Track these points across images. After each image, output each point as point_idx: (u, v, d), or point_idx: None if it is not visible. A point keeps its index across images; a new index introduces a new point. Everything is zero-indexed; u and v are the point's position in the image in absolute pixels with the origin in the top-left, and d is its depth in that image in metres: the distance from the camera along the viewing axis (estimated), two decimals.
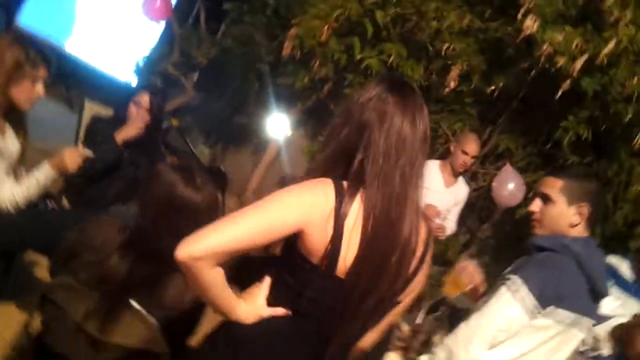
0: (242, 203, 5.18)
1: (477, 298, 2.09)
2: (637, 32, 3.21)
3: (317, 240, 1.21)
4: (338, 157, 1.28)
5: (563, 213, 1.81)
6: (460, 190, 3.56)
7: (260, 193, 5.40)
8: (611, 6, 3.24)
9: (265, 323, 1.28)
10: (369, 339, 1.40)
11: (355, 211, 1.22)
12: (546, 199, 1.83)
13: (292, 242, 1.24)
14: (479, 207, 4.43)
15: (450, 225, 3.53)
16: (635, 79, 3.23)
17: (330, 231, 1.21)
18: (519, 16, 3.45)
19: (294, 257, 1.25)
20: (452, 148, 3.55)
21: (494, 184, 3.79)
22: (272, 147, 5.37)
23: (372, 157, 1.23)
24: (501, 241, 4.62)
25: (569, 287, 1.73)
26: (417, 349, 2.61)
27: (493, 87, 3.95)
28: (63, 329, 1.58)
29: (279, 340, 1.31)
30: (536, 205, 1.85)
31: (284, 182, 5.52)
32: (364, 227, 1.22)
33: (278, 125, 5.04)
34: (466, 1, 3.93)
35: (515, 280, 1.70)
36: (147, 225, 1.58)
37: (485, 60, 3.93)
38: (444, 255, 4.21)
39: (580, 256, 1.75)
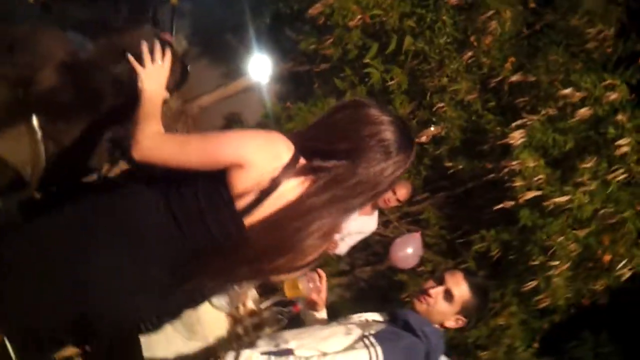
0: (182, 111, 5.08)
1: (313, 308, 2.23)
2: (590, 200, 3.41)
3: (249, 182, 1.28)
4: (317, 141, 1.34)
5: (448, 314, 1.97)
6: (370, 223, 3.64)
7: (204, 114, 5.31)
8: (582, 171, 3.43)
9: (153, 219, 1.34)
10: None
11: (290, 187, 1.29)
12: (448, 296, 1.97)
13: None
14: (372, 250, 4.55)
15: (342, 247, 3.61)
16: (563, 238, 3.41)
17: (264, 184, 1.27)
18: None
19: (219, 179, 1.29)
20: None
21: (397, 239, 3.90)
22: (242, 82, 5.29)
23: (341, 170, 1.29)
24: (370, 288, 4.79)
25: None
26: (245, 326, 2.69)
27: (451, 165, 4.08)
28: None
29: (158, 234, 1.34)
30: (436, 293, 1.98)
31: (231, 118, 5.46)
32: (283, 207, 1.30)
33: (261, 67, 4.97)
34: (483, 84, 4.02)
35: (379, 354, 1.79)
36: (97, 61, 1.54)
37: (463, 140, 4.04)
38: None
39: (432, 350, 1.89)
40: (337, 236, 3.38)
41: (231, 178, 1.29)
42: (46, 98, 1.53)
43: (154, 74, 1.43)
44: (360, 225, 3.58)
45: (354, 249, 3.90)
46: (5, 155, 1.59)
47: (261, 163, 1.28)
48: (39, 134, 1.56)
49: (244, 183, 1.28)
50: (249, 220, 1.31)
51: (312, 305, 2.25)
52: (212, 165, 1.29)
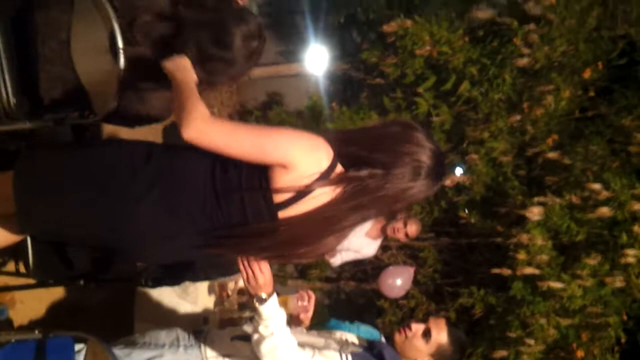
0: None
1: (297, 324, 2.34)
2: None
3: (288, 182, 1.40)
4: (359, 147, 1.46)
5: (422, 353, 2.10)
6: (370, 247, 3.73)
7: (250, 84, 5.41)
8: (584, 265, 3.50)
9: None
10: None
11: (323, 191, 1.42)
12: (427, 336, 2.09)
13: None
14: (363, 268, 4.65)
15: (336, 260, 3.71)
16: (545, 320, 3.50)
17: (300, 186, 1.40)
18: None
19: (261, 170, 1.43)
20: (399, 215, 3.72)
21: (391, 267, 3.99)
22: (296, 67, 5.38)
23: (372, 181, 1.42)
24: (349, 302, 4.91)
25: None
26: (232, 303, 2.83)
27: (465, 215, 4.16)
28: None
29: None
30: (416, 328, 2.11)
31: (273, 98, 5.54)
32: (314, 209, 1.44)
33: (319, 59, 5.05)
34: (520, 150, 4.08)
35: None
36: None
37: (483, 196, 4.12)
38: (307, 269, 4.45)
39: None
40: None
41: (273, 174, 1.41)
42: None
43: (180, 64, 1.53)
44: (360, 244, 3.67)
45: (346, 264, 4.01)
46: (83, 78, 1.66)
47: (303, 167, 1.39)
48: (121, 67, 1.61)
49: (284, 181, 1.40)
50: (281, 213, 1.44)
51: (297, 322, 2.36)
52: (259, 160, 1.41)
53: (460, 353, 2.22)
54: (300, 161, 1.39)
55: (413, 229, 3.60)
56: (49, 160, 1.54)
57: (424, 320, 2.19)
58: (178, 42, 1.60)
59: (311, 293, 2.37)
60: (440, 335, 2.14)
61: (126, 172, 1.45)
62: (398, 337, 2.17)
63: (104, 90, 1.61)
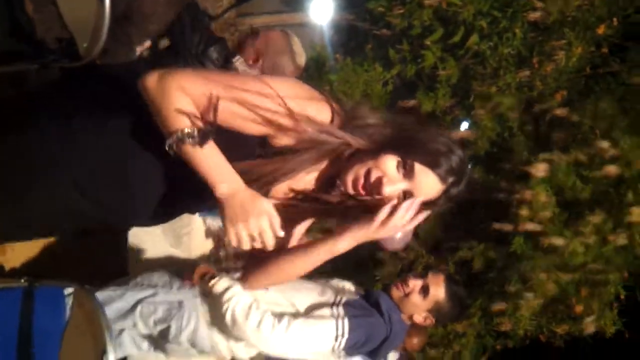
0: (233, 23, 5.07)
1: None
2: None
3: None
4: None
5: (419, 308, 2.09)
6: None
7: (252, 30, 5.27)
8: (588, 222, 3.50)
9: None
10: None
11: None
12: (425, 292, 2.08)
13: None
14: None
15: None
16: (545, 276, 3.51)
17: None
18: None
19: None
20: None
21: None
22: (300, 16, 5.25)
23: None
24: (347, 254, 4.90)
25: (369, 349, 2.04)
26: (227, 252, 2.81)
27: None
28: None
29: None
30: (414, 284, 2.09)
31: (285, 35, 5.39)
32: None
33: (324, 9, 4.91)
34: (527, 106, 4.02)
35: (345, 326, 1.92)
36: None
37: (488, 152, 4.09)
38: None
39: (391, 338, 2.02)
40: None
41: None
42: None
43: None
44: None
45: None
46: (67, 18, 1.60)
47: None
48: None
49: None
50: None
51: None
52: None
53: (457, 309, 2.22)
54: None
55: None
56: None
57: (423, 275, 2.17)
58: None
59: None
60: (438, 291, 2.14)
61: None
62: (395, 292, 2.17)
63: (89, 31, 1.54)
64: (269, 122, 1.19)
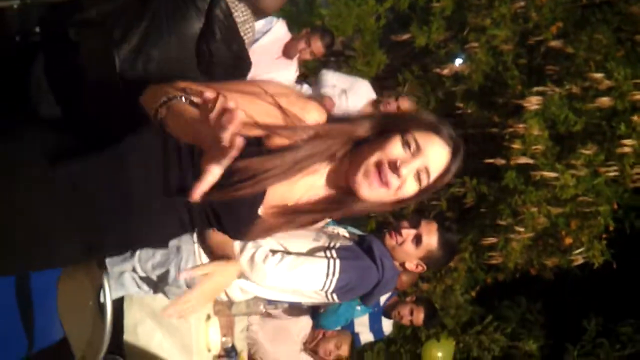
0: None
1: None
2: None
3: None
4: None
5: (412, 256, 2.09)
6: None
7: None
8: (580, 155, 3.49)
9: None
10: None
11: None
12: (418, 241, 2.08)
13: None
14: None
15: None
16: (536, 209, 3.53)
17: None
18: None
19: None
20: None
21: None
22: None
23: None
24: None
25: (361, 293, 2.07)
26: None
27: (462, 106, 4.09)
28: None
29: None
30: (407, 234, 2.09)
31: None
32: None
33: None
34: (522, 39, 3.95)
35: (336, 267, 1.93)
36: None
37: (481, 86, 4.04)
38: None
39: (383, 283, 2.04)
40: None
41: None
42: None
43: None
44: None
45: None
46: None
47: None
48: None
49: None
50: None
51: None
52: None
53: (448, 256, 2.23)
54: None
55: (405, 105, 3.48)
56: None
57: (416, 224, 2.15)
58: None
59: None
60: (431, 239, 2.12)
61: None
62: (389, 241, 2.16)
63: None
64: (263, 126, 1.14)
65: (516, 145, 3.54)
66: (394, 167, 1.18)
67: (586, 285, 4.10)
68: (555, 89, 3.59)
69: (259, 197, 1.23)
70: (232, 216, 1.25)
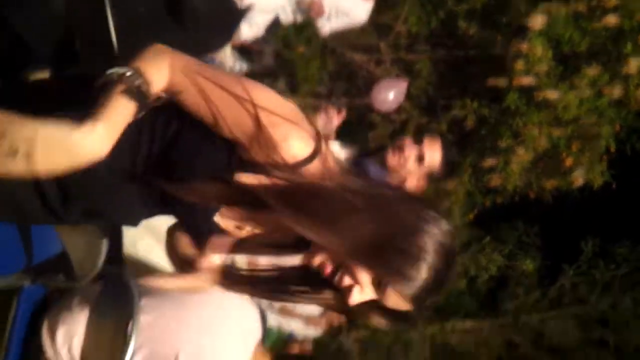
0: None
1: None
2: None
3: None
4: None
5: (414, 175, 2.05)
6: (361, 8, 3.30)
7: None
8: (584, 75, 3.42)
9: None
10: None
11: None
12: (420, 159, 2.04)
13: None
14: (355, 83, 4.55)
15: (325, 25, 3.40)
16: (537, 131, 3.50)
17: None
18: None
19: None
20: None
21: (383, 81, 3.87)
22: None
23: None
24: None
25: None
26: None
27: (465, 26, 3.98)
28: None
29: None
30: (409, 149, 2.05)
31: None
32: None
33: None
34: None
35: None
36: None
37: (485, 5, 3.91)
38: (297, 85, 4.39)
39: None
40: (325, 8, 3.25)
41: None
42: None
43: None
44: (351, 5, 3.29)
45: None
46: None
47: None
48: None
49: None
50: None
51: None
52: None
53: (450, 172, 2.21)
54: None
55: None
56: None
57: (418, 141, 2.10)
58: None
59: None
60: (434, 157, 2.08)
61: None
62: (391, 158, 2.11)
63: None
64: (230, 130, 0.96)
65: (519, 66, 3.46)
66: (349, 290, 0.95)
67: (584, 207, 4.11)
68: (561, 7, 3.47)
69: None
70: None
